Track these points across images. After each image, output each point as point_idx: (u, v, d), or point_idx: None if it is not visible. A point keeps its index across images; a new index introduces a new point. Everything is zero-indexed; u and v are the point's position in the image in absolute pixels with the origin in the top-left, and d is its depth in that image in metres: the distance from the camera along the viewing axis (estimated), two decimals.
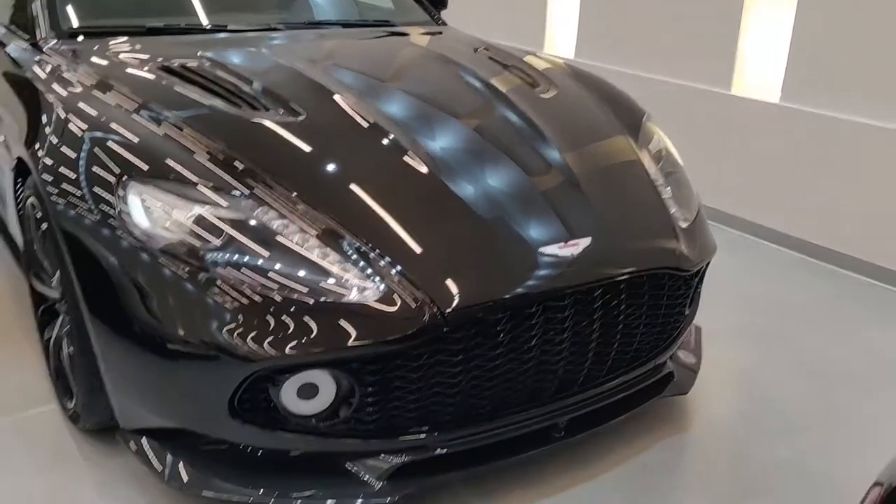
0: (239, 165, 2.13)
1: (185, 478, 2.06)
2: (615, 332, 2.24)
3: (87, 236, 2.08)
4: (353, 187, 2.17)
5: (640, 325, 2.31)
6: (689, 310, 2.57)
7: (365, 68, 2.89)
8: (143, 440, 2.14)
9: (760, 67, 4.37)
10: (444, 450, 2.10)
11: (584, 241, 2.17)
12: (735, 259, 4.04)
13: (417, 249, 2.04)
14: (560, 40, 5.64)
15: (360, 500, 2.03)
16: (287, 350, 1.86)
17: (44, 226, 2.32)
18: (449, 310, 1.94)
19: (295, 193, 2.08)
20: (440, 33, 3.51)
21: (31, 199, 2.42)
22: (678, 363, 2.66)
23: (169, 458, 2.09)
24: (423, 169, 2.25)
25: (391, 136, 2.35)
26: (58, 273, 2.31)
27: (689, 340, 2.84)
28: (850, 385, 2.94)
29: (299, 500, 2.03)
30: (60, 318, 2.44)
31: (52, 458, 2.33)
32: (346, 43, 3.19)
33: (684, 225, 2.48)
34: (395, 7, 3.77)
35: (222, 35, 3.03)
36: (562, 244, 2.14)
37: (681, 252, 2.36)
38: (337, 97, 2.52)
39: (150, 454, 2.11)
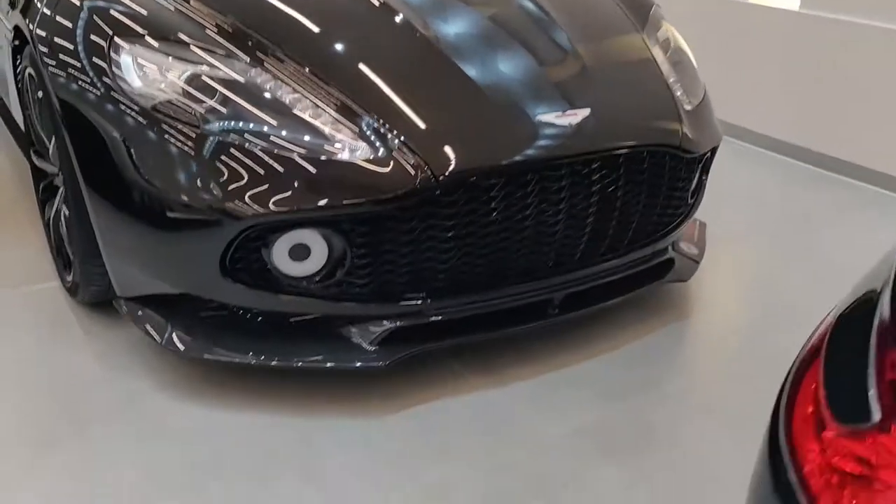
0: (248, 39, 2.08)
1: (182, 344, 2.07)
2: (613, 209, 2.21)
3: (80, 102, 2.07)
4: (356, 56, 2.13)
5: (640, 204, 2.28)
6: (692, 199, 2.53)
7: None
8: (141, 308, 2.15)
9: None
10: (438, 317, 2.10)
11: (583, 112, 2.13)
12: (748, 170, 3.99)
13: (415, 117, 2.01)
14: None
15: (357, 364, 2.04)
16: (273, 206, 1.85)
17: (40, 94, 2.31)
18: (442, 174, 1.91)
19: (300, 64, 2.04)
20: None
21: (29, 71, 2.40)
22: (680, 252, 2.64)
23: (167, 324, 2.11)
24: (429, 44, 2.20)
25: (400, 15, 2.30)
26: (54, 141, 2.30)
27: (693, 233, 2.81)
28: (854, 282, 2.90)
29: (300, 363, 2.04)
30: (59, 193, 2.44)
31: (53, 330, 2.36)
32: None
33: (688, 107, 2.43)
34: None
35: None
36: (559, 113, 2.10)
37: (683, 132, 2.31)
38: None
39: (148, 322, 2.13)
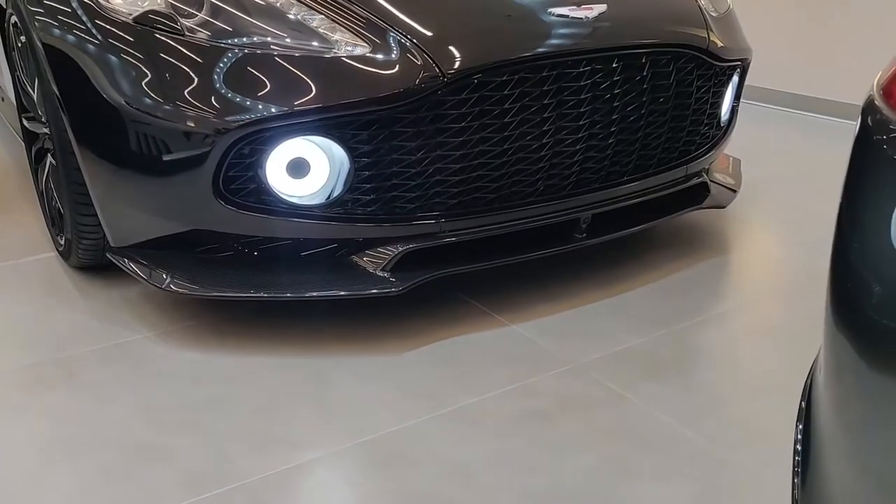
0: None
1: (187, 284, 1.89)
2: (639, 115, 2.03)
3: (59, 31, 1.93)
4: None
5: (667, 116, 2.10)
6: (724, 120, 2.35)
7: None
8: (136, 255, 1.99)
9: None
10: (453, 239, 1.91)
11: (599, 6, 1.96)
12: (767, 128, 3.80)
13: (418, 11, 1.85)
14: None
15: (372, 291, 1.85)
16: (264, 112, 1.69)
17: (23, 38, 2.18)
18: (449, 69, 1.75)
19: None
20: None
21: (14, 19, 2.29)
22: (716, 182, 2.44)
23: (165, 270, 1.93)
24: None
25: None
26: (37, 86, 2.17)
27: (727, 166, 2.61)
28: None
29: (313, 294, 1.86)
30: (49, 157, 2.31)
31: (47, 294, 2.20)
32: None
33: (714, 14, 2.25)
34: None
35: None
36: (573, 7, 1.93)
37: (709, 38, 2.14)
38: None
39: (145, 268, 1.96)
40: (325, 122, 1.72)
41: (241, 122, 1.69)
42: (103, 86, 1.83)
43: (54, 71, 1.96)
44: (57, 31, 1.94)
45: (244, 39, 1.76)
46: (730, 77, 2.28)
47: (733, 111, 2.42)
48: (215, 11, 1.79)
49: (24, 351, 1.92)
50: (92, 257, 2.18)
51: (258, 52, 1.74)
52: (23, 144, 2.73)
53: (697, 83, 2.14)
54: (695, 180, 2.30)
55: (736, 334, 1.98)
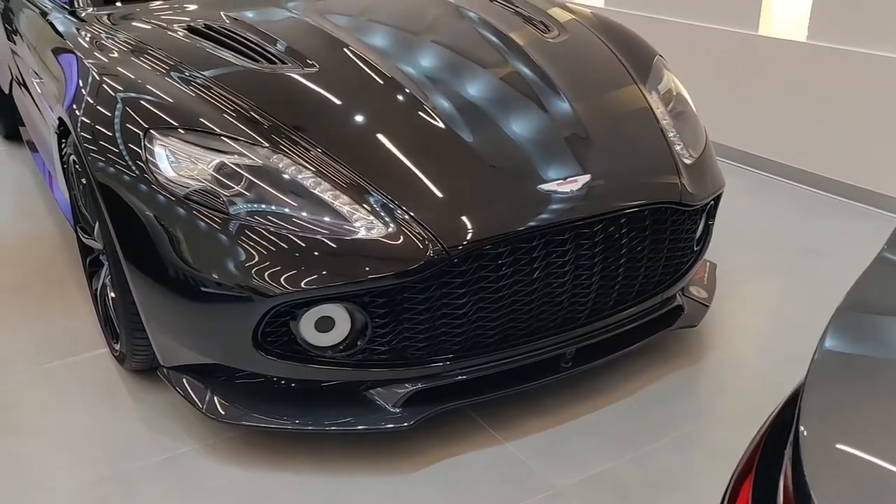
0: (260, 119, 2.27)
1: (222, 409, 2.24)
2: (618, 265, 2.35)
3: (119, 187, 2.25)
4: (367, 137, 2.31)
5: (644, 259, 2.41)
6: (698, 245, 2.65)
7: (383, 25, 3.00)
8: (183, 376, 2.33)
9: (787, 5, 4.35)
10: (457, 377, 2.24)
11: (583, 178, 2.27)
12: (761, 200, 4.08)
13: (425, 192, 2.17)
14: None
15: (387, 426, 2.19)
16: (302, 285, 2.01)
17: (83, 181, 2.51)
18: (452, 245, 2.07)
19: (315, 147, 2.22)
20: None
21: (72, 157, 2.61)
22: (689, 297, 2.76)
23: (206, 391, 2.28)
24: (433, 120, 2.37)
25: (406, 91, 2.47)
26: (97, 224, 2.50)
27: (703, 276, 2.92)
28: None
29: (333, 427, 2.20)
30: (104, 268, 2.64)
31: (102, 396, 2.55)
32: (366, 2, 3.28)
33: (689, 161, 2.55)
34: None
35: None
36: (560, 181, 2.24)
37: (683, 187, 2.44)
38: (356, 53, 2.63)
39: (189, 388, 2.30)
40: (349, 292, 2.05)
41: (279, 293, 2.02)
42: (157, 245, 2.16)
43: (113, 221, 2.28)
44: (116, 186, 2.26)
45: (281, 218, 2.08)
46: (703, 211, 2.59)
47: (707, 229, 2.73)
48: (254, 189, 2.11)
49: (85, 466, 2.26)
50: (144, 366, 2.53)
51: (293, 229, 2.07)
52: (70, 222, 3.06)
53: (672, 227, 2.45)
54: (671, 304, 2.61)
55: (698, 458, 2.30)
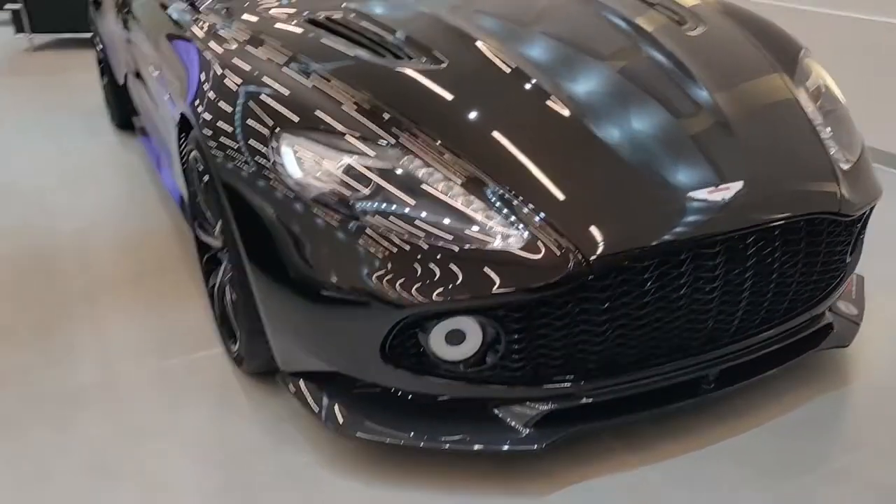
0: (385, 115, 2.17)
1: (340, 419, 2.15)
2: (769, 281, 2.16)
3: (244, 187, 2.18)
4: (496, 134, 2.16)
5: (797, 273, 2.21)
6: (850, 258, 2.44)
7: (506, 12, 2.87)
8: (301, 382, 2.25)
9: None
10: (591, 399, 2.10)
11: (736, 185, 2.09)
12: None
13: (561, 196, 2.03)
14: None
15: (506, 446, 2.07)
16: (434, 296, 1.90)
17: (205, 178, 2.45)
18: (594, 257, 1.92)
19: (439, 142, 2.10)
20: None
21: (194, 153, 2.56)
22: (838, 314, 2.54)
23: (325, 400, 2.20)
24: (566, 113, 2.22)
25: (533, 81, 2.33)
26: (219, 223, 2.44)
27: (851, 290, 2.70)
28: None
29: (448, 444, 2.09)
30: (223, 266, 2.59)
31: (220, 398, 2.50)
32: None
33: (846, 166, 2.34)
34: None
35: None
36: (712, 188, 2.07)
37: (841, 195, 2.23)
38: (478, 43, 2.51)
39: (308, 396, 2.22)
40: (484, 305, 1.92)
41: (411, 304, 1.91)
42: (283, 249, 2.08)
43: (237, 221, 2.21)
44: (241, 185, 2.18)
45: (414, 225, 1.96)
46: (859, 222, 2.37)
47: (858, 241, 2.51)
48: (384, 193, 2.01)
49: (207, 472, 2.21)
50: (262, 369, 2.47)
51: (427, 238, 1.95)
52: (184, 212, 3.03)
53: (827, 239, 2.24)
54: (820, 322, 2.41)
55: (858, 496, 2.10)
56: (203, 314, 2.90)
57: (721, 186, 2.07)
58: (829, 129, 2.43)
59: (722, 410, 2.36)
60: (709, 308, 2.09)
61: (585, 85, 2.37)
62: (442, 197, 2.00)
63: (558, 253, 1.92)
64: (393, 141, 2.10)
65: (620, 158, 2.12)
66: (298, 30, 2.64)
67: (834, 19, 4.36)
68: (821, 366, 2.56)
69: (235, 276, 2.33)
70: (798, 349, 2.37)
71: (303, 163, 2.09)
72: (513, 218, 1.97)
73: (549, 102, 2.26)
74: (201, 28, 2.80)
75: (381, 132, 2.11)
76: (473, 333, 1.99)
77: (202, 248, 2.79)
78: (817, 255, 2.24)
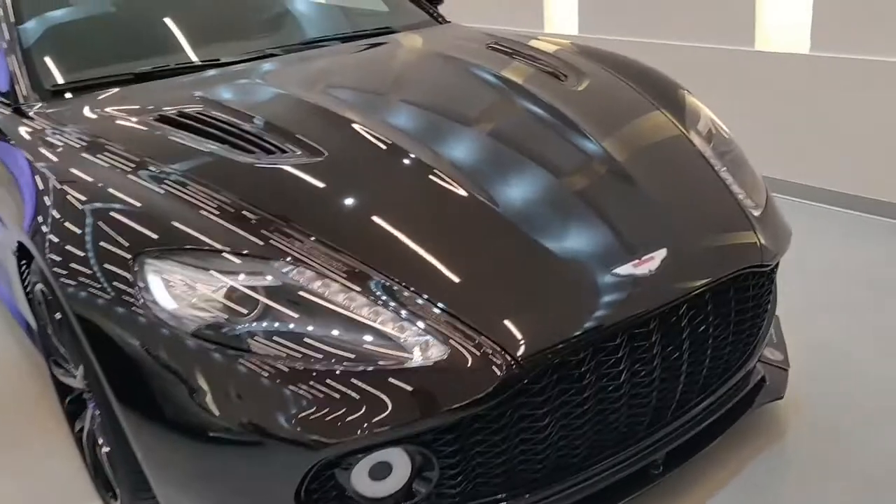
0: (256, 219, 1.88)
1: None
2: (705, 347, 2.01)
3: (105, 321, 1.85)
4: (387, 225, 1.92)
5: (729, 333, 2.08)
6: (770, 304, 2.33)
7: (373, 84, 2.66)
8: None
9: (783, 16, 4.10)
10: None
11: (660, 253, 1.93)
12: (802, 226, 3.79)
13: (472, 291, 1.80)
14: (560, 16, 5.36)
15: None
16: (352, 432, 1.63)
17: (58, 315, 2.09)
18: (525, 357, 1.70)
19: (327, 243, 1.84)
20: (443, 32, 3.26)
21: (39, 286, 2.19)
22: (766, 362, 2.42)
23: None
24: (459, 191, 2.00)
25: (412, 156, 2.11)
26: (81, 366, 2.08)
27: (771, 333, 2.59)
28: None
29: None
30: (90, 409, 2.22)
31: None
32: (347, 59, 2.93)
33: (757, 212, 2.23)
34: (392, 11, 3.51)
35: (216, 71, 2.77)
36: (636, 261, 1.89)
37: (761, 244, 2.12)
38: (345, 121, 2.26)
39: None
40: (409, 434, 1.67)
41: (327, 444, 1.63)
42: (164, 394, 1.76)
43: (103, 367, 1.87)
44: (104, 323, 1.85)
45: (314, 350, 1.69)
46: (776, 266, 2.27)
47: (773, 286, 2.41)
48: (274, 317, 1.72)
49: None
50: None
51: (333, 363, 1.68)
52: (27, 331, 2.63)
53: (753, 292, 2.12)
54: (755, 378, 2.28)
55: None
56: (72, 461, 2.49)
57: (645, 257, 1.90)
58: (729, 173, 2.32)
59: (671, 488, 2.18)
60: (651, 388, 1.91)
61: (472, 153, 2.18)
62: (344, 311, 1.73)
63: (485, 359, 1.69)
64: (275, 250, 1.81)
65: (529, 237, 1.92)
66: (144, 128, 2.32)
67: (672, 49, 4.40)
68: (756, 420, 2.42)
69: (107, 422, 1.97)
70: (736, 411, 2.22)
71: (174, 290, 1.78)
72: (425, 324, 1.72)
73: (436, 179, 2.03)
74: (31, 136, 2.43)
75: (255, 240, 1.83)
76: (401, 463, 1.73)
77: (62, 388, 2.40)
78: (746, 310, 2.12)
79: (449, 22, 3.47)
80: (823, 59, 3.84)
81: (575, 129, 2.30)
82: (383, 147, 2.15)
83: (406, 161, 2.11)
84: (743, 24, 4.14)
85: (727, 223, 2.14)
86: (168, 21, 3.01)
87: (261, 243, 1.82)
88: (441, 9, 3.55)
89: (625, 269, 1.87)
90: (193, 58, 2.85)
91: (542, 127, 2.34)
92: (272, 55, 2.90)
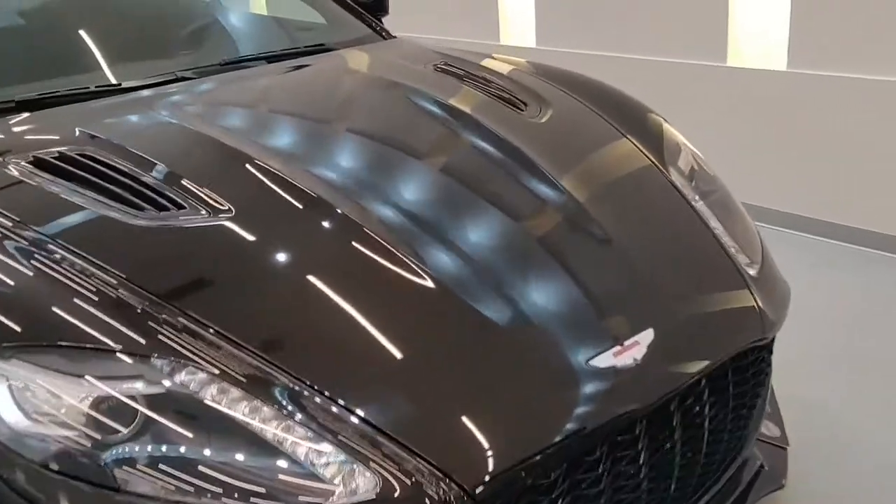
0: (140, 304, 1.47)
1: None
2: (701, 439, 1.65)
3: None
4: (302, 309, 1.53)
5: (727, 419, 1.72)
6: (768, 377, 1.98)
7: (297, 118, 2.24)
8: None
9: (758, 30, 3.79)
10: None
11: (646, 337, 1.55)
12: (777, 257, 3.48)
13: (409, 396, 1.42)
14: (516, 27, 5.00)
15: None
16: None
17: None
18: (474, 486, 1.31)
19: (231, 336, 1.43)
20: (387, 50, 2.84)
21: None
22: (762, 440, 2.07)
23: None
24: (395, 259, 1.60)
25: (338, 212, 1.71)
26: None
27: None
28: None
29: None
30: None
31: None
32: (270, 85, 2.49)
33: (753, 271, 1.88)
34: (330, 25, 3.11)
35: (114, 99, 2.32)
36: (617, 349, 1.51)
37: (761, 312, 1.77)
38: (260, 166, 1.84)
39: None
40: None
41: None
42: None
43: None
44: None
45: (209, 484, 1.29)
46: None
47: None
48: (154, 432, 1.32)
49: None
50: None
51: (234, 500, 1.28)
52: None
53: (753, 369, 1.77)
54: (755, 465, 1.93)
55: None
56: None
57: (628, 343, 1.53)
58: (719, 221, 1.97)
59: None
60: (637, 496, 1.54)
61: (413, 208, 1.79)
62: (249, 427, 1.33)
63: (424, 491, 1.30)
64: (161, 346, 1.41)
65: (480, 319, 1.53)
66: (14, 175, 1.87)
67: (648, 65, 4.07)
68: None
69: None
70: None
71: (25, 399, 1.37)
72: (350, 445, 1.32)
73: (365, 245, 1.62)
74: None
75: (137, 335, 1.41)
76: None
77: None
78: (745, 392, 1.76)
79: (395, 37, 3.07)
80: (803, 76, 3.53)
81: (536, 172, 1.92)
82: (304, 201, 1.74)
83: (330, 220, 1.71)
84: (714, 37, 3.82)
85: (721, 287, 1.79)
86: (61, 37, 2.58)
87: (143, 341, 1.41)
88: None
89: (603, 361, 1.49)
90: (88, 82, 2.40)
91: (497, 171, 1.95)
92: (184, 78, 2.46)
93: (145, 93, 2.35)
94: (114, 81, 2.38)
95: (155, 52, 2.67)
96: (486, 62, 2.63)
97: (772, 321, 1.78)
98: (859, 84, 3.34)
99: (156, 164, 1.87)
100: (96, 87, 2.35)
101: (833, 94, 3.44)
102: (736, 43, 3.80)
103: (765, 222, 3.69)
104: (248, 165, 1.86)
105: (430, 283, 1.56)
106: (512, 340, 1.51)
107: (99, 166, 1.85)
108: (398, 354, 1.45)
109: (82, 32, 2.60)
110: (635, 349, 1.52)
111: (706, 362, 1.59)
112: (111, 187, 1.76)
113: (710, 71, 3.85)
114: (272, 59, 2.67)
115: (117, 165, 1.85)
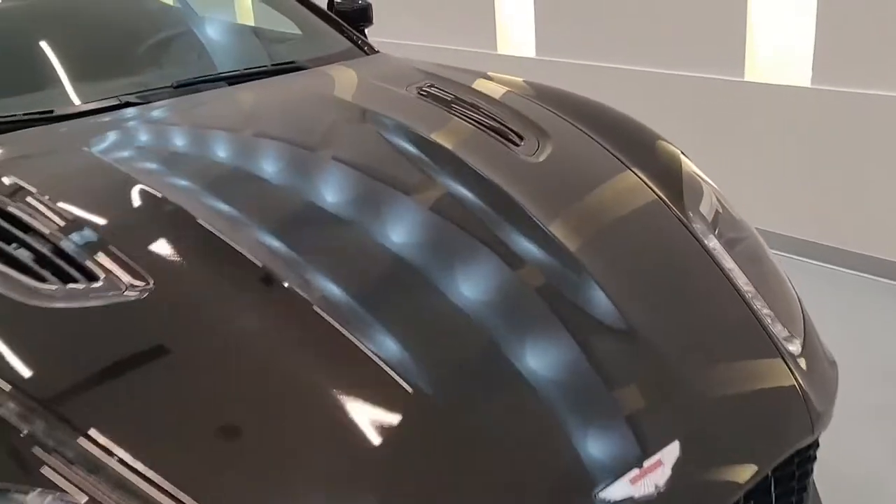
0: (24, 428, 1.14)
1: None
2: None
3: None
4: (225, 428, 1.20)
5: None
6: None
7: (248, 160, 1.87)
8: None
9: (780, 42, 3.45)
10: None
11: (671, 453, 1.22)
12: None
13: None
14: (515, 36, 4.67)
15: None
16: None
17: None
18: None
19: (132, 464, 1.11)
20: (366, 69, 2.50)
21: None
22: None
23: None
24: (352, 352, 1.26)
25: (285, 285, 1.37)
26: None
27: None
28: None
29: None
30: None
31: None
32: (224, 115, 2.13)
33: (795, 348, 1.55)
34: (305, 38, 2.78)
35: (37, 130, 1.98)
36: (636, 472, 1.19)
37: (808, 403, 1.44)
38: (191, 222, 1.50)
39: None
40: None
41: None
42: None
43: None
44: None
45: None
46: None
47: None
48: None
49: None
50: None
51: None
52: None
53: (798, 470, 1.44)
54: None
55: None
56: None
57: (649, 463, 1.20)
58: (752, 284, 1.64)
59: None
60: None
61: (378, 279, 1.46)
62: None
63: None
64: (41, 480, 1.08)
65: (458, 431, 1.20)
66: None
67: (665, 78, 3.74)
68: None
69: None
70: None
71: None
72: None
73: (316, 329, 1.30)
74: None
75: (14, 466, 1.09)
76: None
77: None
78: (790, 496, 1.44)
79: (377, 52, 2.74)
80: (830, 92, 3.20)
81: (531, 229, 1.58)
82: (243, 270, 1.41)
83: (273, 297, 1.38)
84: (731, 48, 3.48)
85: (758, 374, 1.46)
86: None
87: (21, 471, 1.08)
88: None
89: (616, 492, 1.16)
90: (16, 108, 2.06)
91: (481, 229, 1.58)
92: (128, 104, 2.13)
93: (81, 122, 2.02)
94: (44, 108, 2.05)
95: (99, 71, 2.33)
96: (479, 83, 2.30)
97: (819, 413, 1.45)
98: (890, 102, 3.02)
99: (73, 219, 1.54)
100: (24, 114, 2.02)
101: (861, 112, 3.11)
102: (754, 56, 3.47)
103: (783, 251, 3.38)
104: (184, 224, 1.53)
105: (397, 383, 1.22)
106: (502, 466, 1.18)
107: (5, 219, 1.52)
108: (362, 483, 1.13)
109: (9, 45, 2.27)
110: (658, 472, 1.19)
111: (746, 480, 1.26)
112: (8, 250, 1.43)
113: (726, 86, 3.51)
114: (233, 80, 2.34)
115: (23, 218, 1.52)
